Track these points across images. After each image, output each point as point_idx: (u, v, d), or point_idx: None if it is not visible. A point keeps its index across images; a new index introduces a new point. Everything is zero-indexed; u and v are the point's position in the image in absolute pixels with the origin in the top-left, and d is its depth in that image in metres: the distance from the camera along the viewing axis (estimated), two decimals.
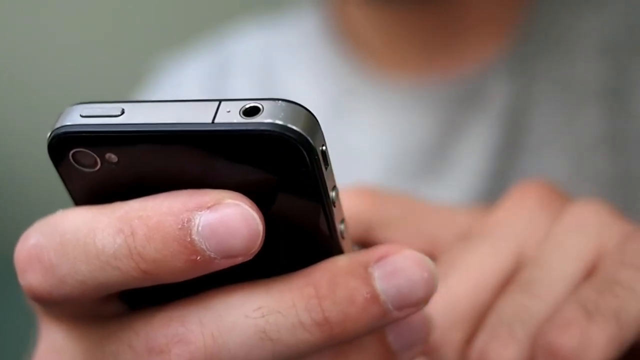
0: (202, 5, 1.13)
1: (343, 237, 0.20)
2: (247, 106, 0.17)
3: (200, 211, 0.18)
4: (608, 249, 0.25)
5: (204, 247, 0.17)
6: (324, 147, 0.18)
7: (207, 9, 1.09)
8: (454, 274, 0.25)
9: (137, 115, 0.18)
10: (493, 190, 0.46)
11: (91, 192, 0.19)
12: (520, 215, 0.26)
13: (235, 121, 0.17)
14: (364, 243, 0.27)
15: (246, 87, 0.54)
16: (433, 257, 0.27)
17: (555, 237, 0.25)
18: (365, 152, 0.49)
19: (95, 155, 0.18)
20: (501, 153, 0.47)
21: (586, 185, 0.45)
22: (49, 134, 0.18)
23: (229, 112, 0.17)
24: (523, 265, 0.25)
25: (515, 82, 0.47)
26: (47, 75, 1.26)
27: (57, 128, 0.18)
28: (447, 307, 0.25)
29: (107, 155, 0.18)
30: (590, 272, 0.25)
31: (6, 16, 1.23)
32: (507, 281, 0.25)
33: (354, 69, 0.51)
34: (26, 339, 0.25)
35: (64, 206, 0.20)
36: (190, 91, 0.56)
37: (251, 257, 0.18)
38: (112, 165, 0.18)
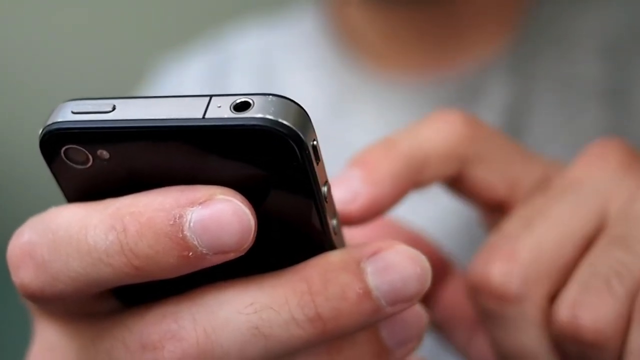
0: (202, 5, 1.13)
1: (335, 233, 0.20)
2: (238, 101, 0.17)
3: (192, 207, 0.18)
4: None
5: (195, 243, 0.17)
6: (315, 142, 0.18)
7: (207, 8, 1.09)
8: (540, 224, 0.24)
9: (128, 112, 0.18)
10: None
11: (83, 189, 0.19)
12: (604, 173, 0.25)
13: (225, 116, 0.17)
14: (456, 178, 0.26)
15: (246, 87, 0.54)
16: (510, 200, 0.26)
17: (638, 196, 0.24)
18: None
19: (87, 152, 0.18)
20: None
21: None
22: (40, 131, 0.18)
23: (219, 107, 0.17)
24: (611, 222, 0.24)
25: (515, 81, 0.47)
26: (47, 75, 1.26)
27: (49, 125, 0.18)
28: (532, 259, 0.24)
29: (99, 151, 0.18)
30: None
31: (6, 16, 1.23)
32: (591, 239, 0.24)
33: (353, 68, 0.51)
34: (25, 338, 0.26)
35: (57, 203, 0.20)
36: (191, 91, 0.56)
37: (243, 253, 0.18)
38: (104, 161, 0.18)
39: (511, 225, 0.25)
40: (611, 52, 0.47)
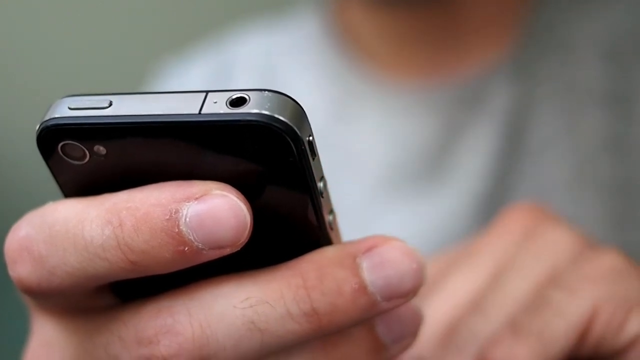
0: (204, 8, 1.13)
1: (331, 228, 0.20)
2: (234, 97, 0.18)
3: (188, 202, 0.18)
4: (560, 271, 0.27)
5: (191, 238, 0.17)
6: (310, 137, 0.18)
7: (209, 11, 1.09)
8: (434, 297, 0.27)
9: (124, 107, 0.18)
10: (494, 193, 0.46)
11: (80, 185, 0.19)
12: (502, 241, 0.28)
13: (221, 112, 0.17)
14: None
15: None
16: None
17: (516, 260, 0.27)
18: (367, 155, 0.50)
19: (83, 148, 0.18)
20: (502, 156, 0.47)
21: (587, 191, 0.45)
22: (37, 127, 0.18)
23: (215, 102, 0.18)
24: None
25: (518, 85, 0.47)
26: (48, 77, 1.26)
27: (46, 120, 0.18)
28: (428, 330, 0.26)
29: (96, 147, 0.18)
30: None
31: (6, 16, 1.23)
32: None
33: (356, 71, 0.51)
34: (23, 334, 0.26)
35: (54, 198, 0.20)
36: None
37: (239, 248, 0.18)
38: (101, 157, 0.18)
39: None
40: (613, 56, 0.47)
